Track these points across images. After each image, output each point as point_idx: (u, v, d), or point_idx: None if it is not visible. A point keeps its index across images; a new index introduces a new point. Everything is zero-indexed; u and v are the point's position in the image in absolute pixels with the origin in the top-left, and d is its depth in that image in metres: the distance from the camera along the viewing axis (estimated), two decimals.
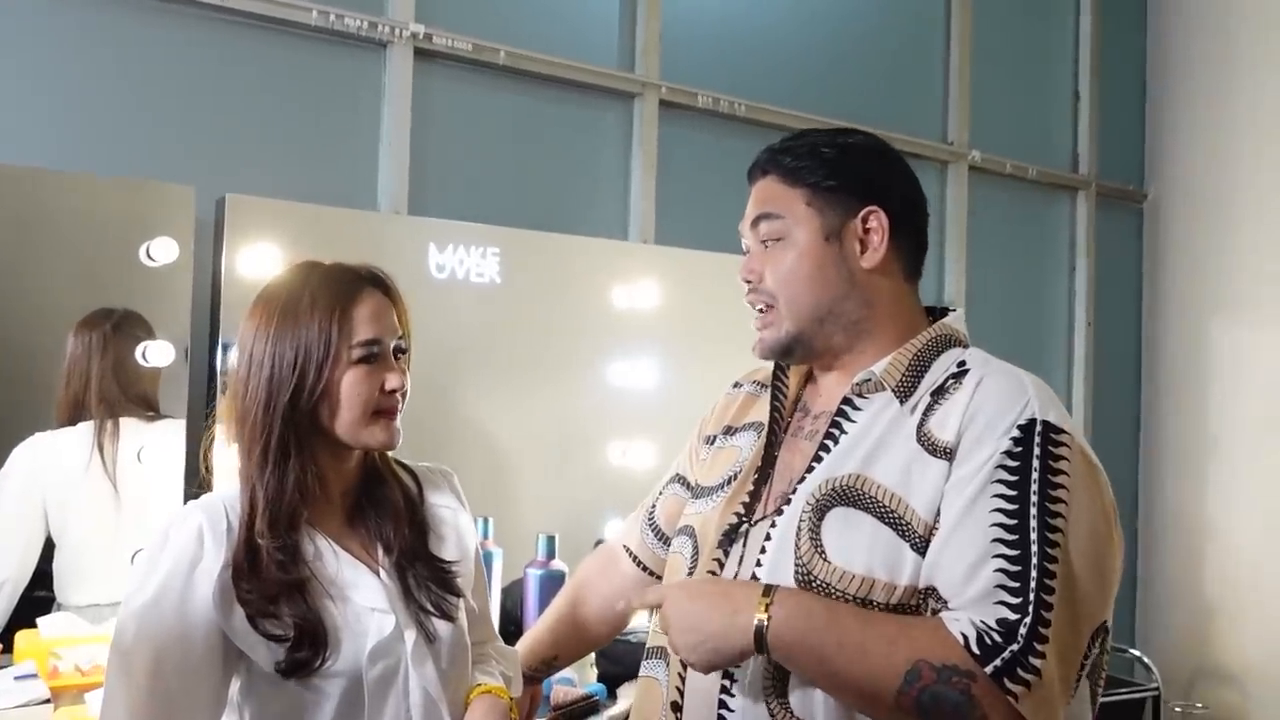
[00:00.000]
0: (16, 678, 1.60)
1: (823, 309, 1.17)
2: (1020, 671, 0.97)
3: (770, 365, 1.28)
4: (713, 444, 1.35)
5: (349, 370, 1.19)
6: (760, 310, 1.21)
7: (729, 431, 1.34)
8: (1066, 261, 3.62)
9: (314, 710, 1.16)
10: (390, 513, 1.26)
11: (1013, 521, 1.02)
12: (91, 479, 1.90)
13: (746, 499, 1.21)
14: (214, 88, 2.14)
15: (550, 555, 2.08)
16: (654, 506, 1.46)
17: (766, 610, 1.04)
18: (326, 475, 1.22)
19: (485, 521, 2.10)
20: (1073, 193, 3.62)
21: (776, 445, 1.24)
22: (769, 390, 1.28)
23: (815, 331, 1.18)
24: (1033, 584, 1.00)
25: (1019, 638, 0.98)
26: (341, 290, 1.21)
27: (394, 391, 1.21)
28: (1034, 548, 1.01)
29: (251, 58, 2.18)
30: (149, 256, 1.94)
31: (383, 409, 1.21)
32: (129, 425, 1.94)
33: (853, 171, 1.19)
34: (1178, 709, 3.34)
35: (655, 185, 2.68)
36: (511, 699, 1.32)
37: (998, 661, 0.98)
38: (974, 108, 3.32)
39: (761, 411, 1.28)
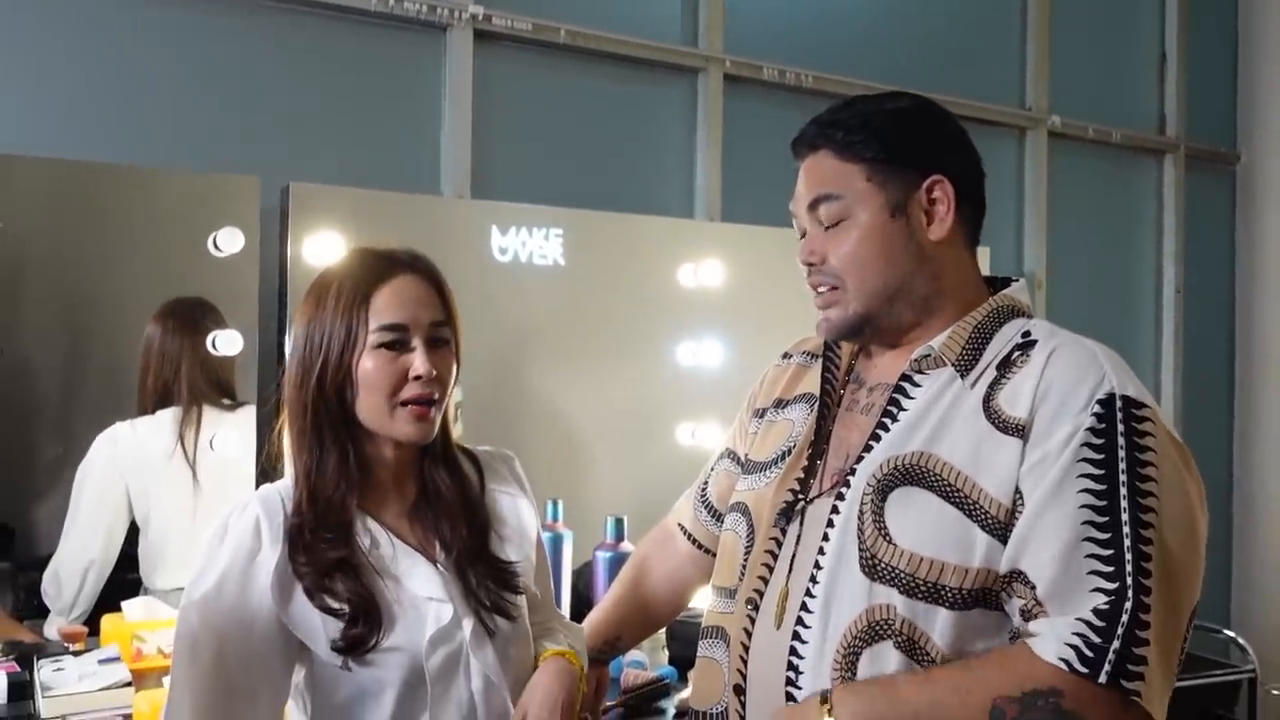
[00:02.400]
0: (100, 661, 1.64)
1: (892, 288, 1.14)
2: (1130, 666, 0.94)
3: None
4: (763, 417, 1.32)
5: (369, 355, 1.17)
6: (823, 290, 1.17)
7: (780, 404, 1.30)
8: (1153, 227, 3.49)
9: (376, 698, 1.16)
10: (447, 511, 1.24)
11: (1102, 503, 0.99)
12: (173, 465, 1.95)
13: (801, 475, 1.18)
14: (276, 77, 2.16)
15: (619, 537, 2.08)
16: (706, 483, 1.44)
17: (831, 717, 1.02)
18: (370, 462, 1.22)
19: (555, 504, 2.10)
20: (1159, 156, 3.47)
21: (830, 419, 1.20)
22: (820, 360, 1.25)
23: (885, 311, 1.15)
24: (1128, 566, 0.96)
25: (1120, 626, 0.95)
26: (367, 274, 1.19)
27: (420, 378, 1.17)
28: (1126, 529, 0.97)
29: (312, 46, 2.19)
30: (216, 247, 1.97)
31: (410, 398, 1.17)
32: (210, 413, 1.98)
33: (910, 141, 1.14)
34: (1275, 692, 3.20)
35: (721, 161, 2.64)
36: (582, 666, 1.30)
37: (1107, 667, 0.95)
38: (1053, 71, 3.20)
39: (813, 383, 1.25)
